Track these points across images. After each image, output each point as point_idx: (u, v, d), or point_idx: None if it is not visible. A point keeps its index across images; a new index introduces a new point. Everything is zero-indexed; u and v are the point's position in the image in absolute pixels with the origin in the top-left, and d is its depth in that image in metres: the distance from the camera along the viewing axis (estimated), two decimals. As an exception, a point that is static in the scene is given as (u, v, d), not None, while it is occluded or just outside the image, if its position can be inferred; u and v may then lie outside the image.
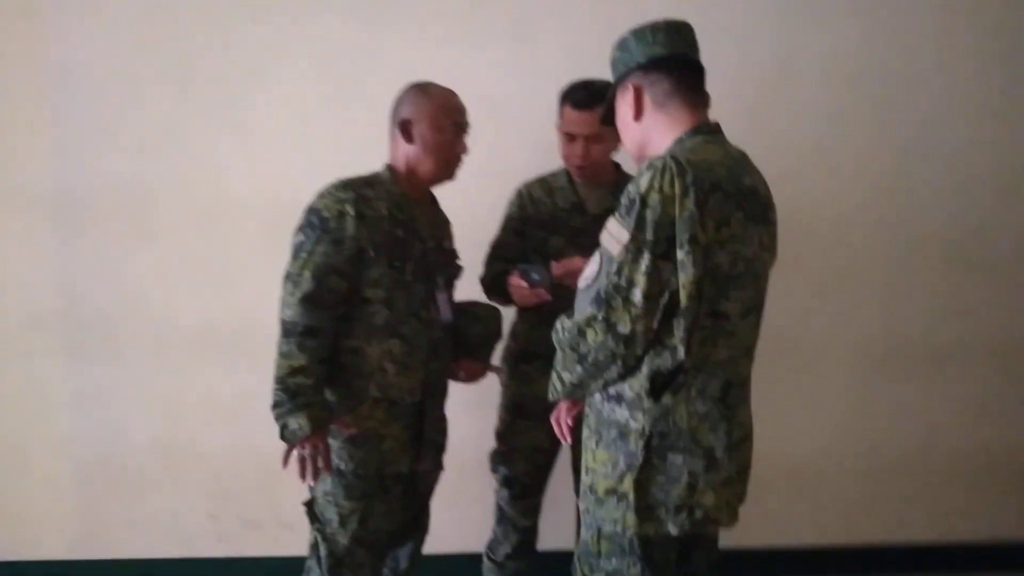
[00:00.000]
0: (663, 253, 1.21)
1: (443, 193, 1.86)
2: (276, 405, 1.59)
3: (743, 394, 1.38)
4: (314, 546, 1.71)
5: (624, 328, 1.23)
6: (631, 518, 1.30)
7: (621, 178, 2.09)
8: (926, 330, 2.60)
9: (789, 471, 2.59)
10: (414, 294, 1.70)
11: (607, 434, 1.34)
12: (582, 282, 1.31)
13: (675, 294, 1.23)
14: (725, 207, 1.24)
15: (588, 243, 1.97)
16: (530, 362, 2.10)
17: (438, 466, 1.90)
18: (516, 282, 1.88)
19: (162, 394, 2.38)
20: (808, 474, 2.61)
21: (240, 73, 2.29)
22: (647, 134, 1.39)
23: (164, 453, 2.41)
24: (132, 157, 2.29)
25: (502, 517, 2.21)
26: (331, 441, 1.66)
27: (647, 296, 1.21)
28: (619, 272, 1.22)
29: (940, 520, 2.69)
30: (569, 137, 1.97)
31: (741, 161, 1.34)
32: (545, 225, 2.06)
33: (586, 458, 1.40)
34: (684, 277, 1.21)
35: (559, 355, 1.36)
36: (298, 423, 1.57)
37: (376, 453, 1.69)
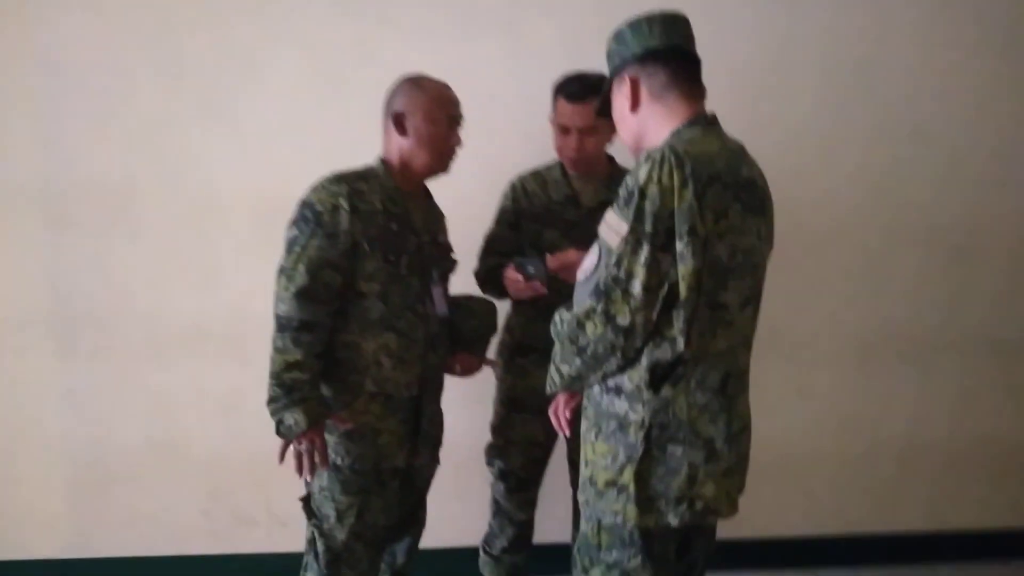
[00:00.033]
0: (662, 245, 1.21)
1: (436, 186, 1.86)
2: (272, 400, 1.58)
3: (742, 385, 1.38)
4: (311, 542, 1.71)
5: (623, 320, 1.23)
6: (632, 510, 1.30)
7: (615, 171, 2.09)
8: (916, 321, 2.62)
9: (781, 462, 2.61)
10: (409, 288, 1.70)
11: (606, 426, 1.34)
12: (581, 274, 1.31)
13: (674, 286, 1.23)
14: (724, 198, 1.24)
15: (582, 236, 1.99)
16: (526, 355, 2.10)
17: (434, 460, 1.90)
18: (511, 275, 1.88)
19: (153, 391, 2.36)
20: (799, 465, 2.63)
21: (230, 67, 2.26)
22: (644, 126, 1.39)
23: (156, 451, 2.39)
24: (121, 152, 2.26)
25: (498, 511, 2.21)
26: (327, 436, 1.65)
27: (646, 288, 1.21)
28: (618, 264, 1.22)
29: (930, 509, 2.72)
30: (563, 130, 1.96)
31: (739, 152, 1.34)
32: (539, 218, 2.06)
33: (585, 450, 1.40)
34: (683, 269, 1.21)
35: (557, 348, 1.36)
36: (294, 418, 1.56)
37: (373, 448, 1.68)
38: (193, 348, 2.35)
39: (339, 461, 1.67)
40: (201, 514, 2.44)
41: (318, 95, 2.30)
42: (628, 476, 1.30)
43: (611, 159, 2.10)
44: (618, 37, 1.41)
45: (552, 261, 1.85)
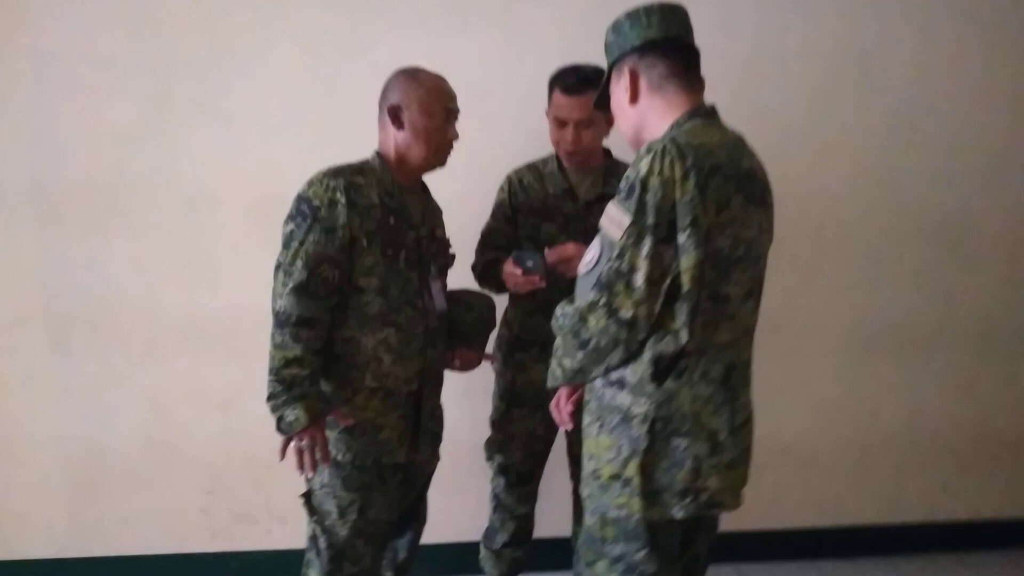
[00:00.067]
0: (664, 237, 1.21)
1: (430, 180, 1.84)
2: (272, 397, 1.57)
3: (745, 377, 1.38)
4: (313, 538, 1.70)
5: (626, 313, 1.23)
6: (636, 503, 1.30)
7: (611, 164, 2.08)
8: (911, 313, 2.63)
9: (779, 454, 2.62)
10: (408, 283, 1.69)
11: (609, 420, 1.33)
12: (582, 267, 1.30)
13: (677, 278, 1.23)
14: (725, 190, 1.23)
15: (580, 229, 1.99)
16: (524, 349, 2.09)
17: (435, 456, 1.89)
18: (510, 269, 1.87)
19: (150, 388, 2.35)
20: (797, 457, 2.64)
21: (221, 60, 2.24)
22: (643, 118, 1.38)
23: (153, 448, 2.38)
24: (112, 148, 2.24)
25: (498, 506, 2.21)
26: (328, 432, 1.64)
27: (649, 280, 1.21)
28: (620, 257, 1.22)
29: (929, 500, 2.73)
30: (559, 123, 1.95)
31: (739, 144, 1.33)
32: (536, 211, 2.05)
33: (587, 444, 1.39)
34: (686, 261, 1.21)
35: (559, 341, 1.36)
36: (295, 415, 1.55)
37: (374, 443, 1.67)
38: (189, 345, 2.33)
39: (340, 457, 1.66)
40: (200, 512, 2.43)
41: (311, 88, 2.28)
42: (633, 469, 1.29)
43: (607, 152, 2.10)
44: (616, 28, 1.40)
45: (550, 255, 1.85)
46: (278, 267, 1.60)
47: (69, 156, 2.23)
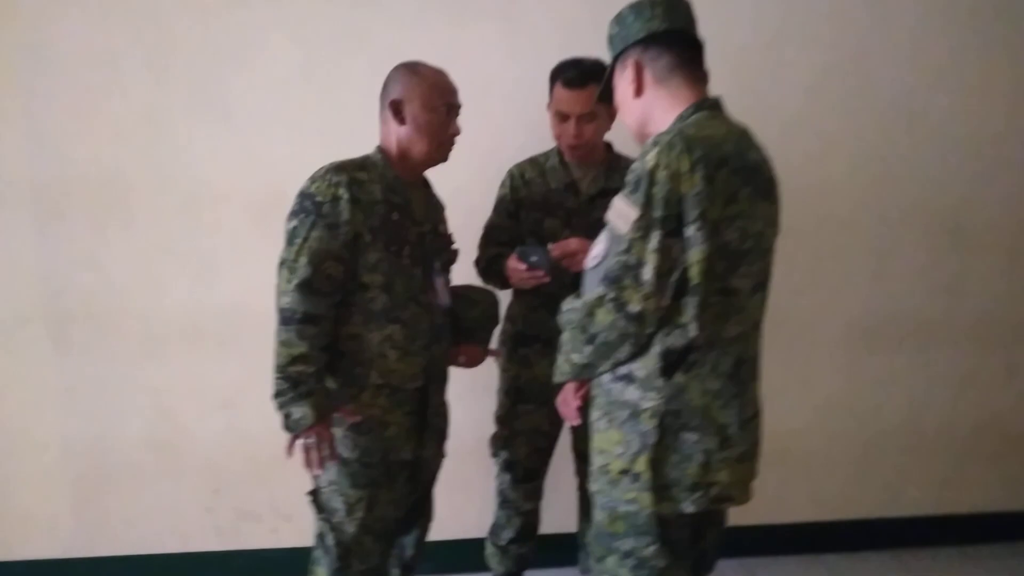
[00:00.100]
0: (672, 230, 1.20)
1: (431, 176, 1.83)
2: (278, 394, 1.56)
3: (754, 370, 1.37)
4: (320, 536, 1.69)
5: (635, 307, 1.22)
6: (647, 497, 1.29)
7: (613, 158, 2.07)
8: (916, 307, 2.62)
9: (784, 449, 2.61)
10: (412, 279, 1.68)
11: (618, 415, 1.33)
12: (590, 261, 1.30)
13: (685, 272, 1.22)
14: (733, 183, 1.23)
15: (583, 223, 1.98)
16: (528, 345, 2.09)
17: (441, 452, 1.89)
18: (514, 264, 1.87)
19: (152, 386, 2.34)
20: (800, 451, 2.63)
21: (220, 55, 2.23)
22: (648, 111, 1.38)
23: (157, 447, 2.37)
24: (111, 145, 2.23)
25: (504, 502, 2.21)
26: (334, 429, 1.63)
27: (658, 274, 1.20)
28: (628, 250, 1.21)
29: (933, 493, 2.73)
30: (561, 117, 1.94)
31: (745, 136, 1.33)
32: (539, 206, 2.04)
33: (596, 440, 1.39)
34: (695, 254, 1.21)
35: (566, 336, 1.35)
36: (301, 412, 1.54)
37: (380, 440, 1.67)
38: (191, 343, 2.32)
39: (347, 454, 1.65)
40: (204, 511, 2.42)
41: (310, 84, 2.26)
42: (642, 464, 1.29)
43: (609, 146, 2.09)
44: (620, 20, 1.39)
45: (554, 249, 1.84)
46: (282, 264, 1.59)
47: (69, 154, 2.22)
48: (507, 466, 2.16)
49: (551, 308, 1.97)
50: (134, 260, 2.28)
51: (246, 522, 2.45)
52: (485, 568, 2.31)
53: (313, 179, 1.62)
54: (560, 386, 1.67)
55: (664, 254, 1.20)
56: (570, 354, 1.35)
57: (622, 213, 1.23)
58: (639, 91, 1.37)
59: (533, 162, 2.09)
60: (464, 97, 1.75)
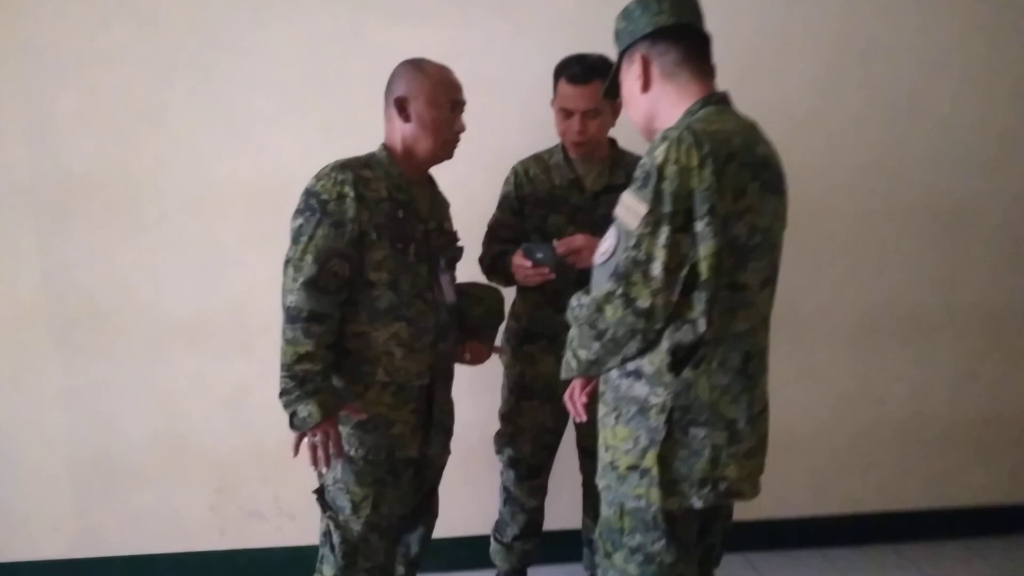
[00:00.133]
0: (681, 225, 1.20)
1: (435, 173, 1.83)
2: (284, 393, 1.56)
3: (762, 365, 1.37)
4: (326, 534, 1.69)
5: (644, 303, 1.22)
6: (655, 493, 1.29)
7: (617, 154, 2.07)
8: (916, 300, 2.62)
9: (785, 443, 2.59)
10: (418, 276, 1.68)
11: (626, 410, 1.33)
12: (598, 257, 1.29)
13: (694, 267, 1.22)
14: (742, 177, 1.22)
15: (587, 220, 1.98)
16: (533, 342, 2.09)
17: (446, 450, 1.89)
18: (519, 261, 1.87)
19: (156, 386, 2.33)
20: (804, 445, 2.64)
21: (222, 54, 2.22)
22: (655, 106, 1.37)
23: (161, 446, 2.37)
24: (113, 144, 2.22)
25: (508, 498, 2.21)
26: (340, 427, 1.63)
27: (667, 269, 1.20)
28: (638, 246, 1.21)
29: (933, 487, 2.73)
30: (565, 113, 1.94)
31: (753, 131, 1.32)
32: (543, 203, 2.04)
33: (604, 435, 1.39)
34: (704, 249, 1.20)
35: (574, 332, 1.35)
36: (308, 410, 1.54)
37: (386, 438, 1.67)
38: (195, 342, 2.32)
39: (353, 452, 1.65)
40: (208, 510, 2.42)
41: (313, 81, 2.26)
42: (651, 459, 1.29)
43: (613, 142, 2.08)
44: (627, 15, 1.39)
45: (559, 246, 1.84)
46: (287, 262, 1.58)
47: (71, 153, 2.21)
48: (512, 463, 2.16)
49: (556, 305, 1.99)
50: (138, 259, 2.27)
51: (250, 521, 2.44)
52: (490, 565, 2.31)
53: (318, 177, 1.61)
54: (567, 382, 1.67)
55: (673, 249, 1.20)
56: (578, 350, 1.35)
57: (631, 208, 1.23)
58: (646, 86, 1.36)
59: (537, 159, 2.09)
60: (468, 94, 1.75)
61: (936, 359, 2.67)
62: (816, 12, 2.41)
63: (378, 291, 1.63)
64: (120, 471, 2.36)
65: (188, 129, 2.24)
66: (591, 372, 1.39)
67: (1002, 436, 2.73)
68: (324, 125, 2.26)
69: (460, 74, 1.74)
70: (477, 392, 2.21)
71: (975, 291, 2.64)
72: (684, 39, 1.35)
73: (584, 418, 1.52)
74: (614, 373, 1.35)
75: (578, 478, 2.25)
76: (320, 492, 1.70)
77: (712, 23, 1.42)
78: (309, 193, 1.60)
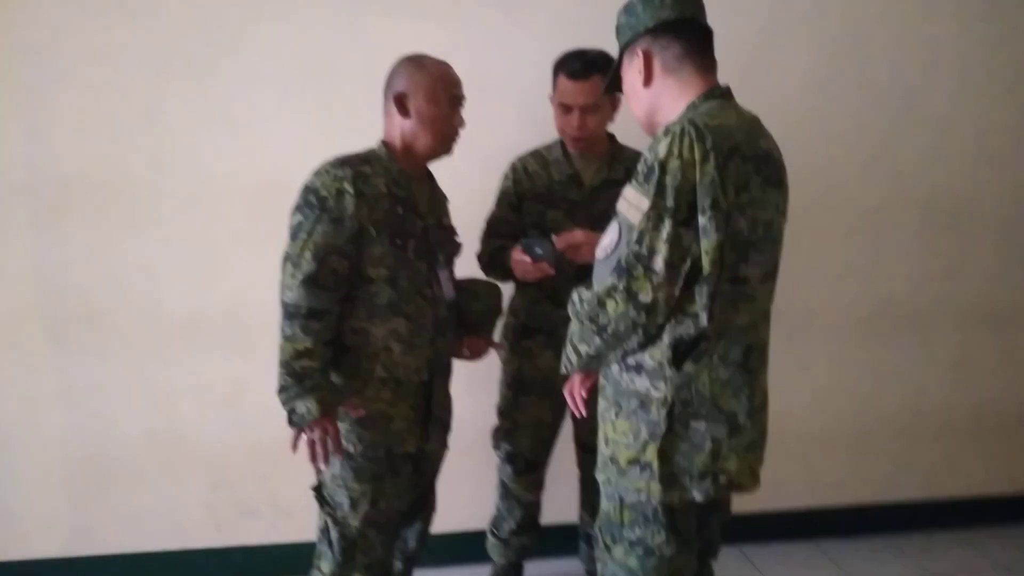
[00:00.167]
0: (684, 220, 1.20)
1: (433, 169, 1.82)
2: (283, 389, 1.55)
3: (763, 358, 1.38)
4: (324, 530, 1.69)
5: (646, 297, 1.22)
6: (656, 487, 1.29)
7: (616, 149, 2.07)
8: (912, 293, 2.65)
9: (782, 435, 2.60)
10: (417, 272, 1.68)
11: (627, 404, 1.33)
12: (600, 252, 1.29)
13: (696, 261, 1.22)
14: (744, 171, 1.23)
15: (586, 215, 1.99)
16: (531, 337, 2.09)
17: (444, 445, 1.89)
18: (519, 257, 1.87)
19: (152, 383, 2.31)
20: (798, 437, 2.65)
21: (218, 50, 2.21)
22: (657, 100, 1.37)
23: (156, 444, 2.35)
24: (109, 142, 2.20)
25: (506, 493, 2.21)
26: (339, 424, 1.62)
27: (669, 264, 1.20)
28: (640, 240, 1.21)
29: (929, 478, 2.76)
30: (564, 108, 1.94)
31: (755, 125, 1.33)
32: (542, 198, 2.04)
33: (605, 429, 1.39)
34: (707, 243, 1.21)
35: (575, 327, 1.35)
36: (306, 407, 1.53)
37: (384, 434, 1.66)
38: (191, 339, 2.31)
39: (351, 448, 1.64)
40: (204, 507, 2.41)
41: (311, 77, 2.25)
42: (651, 453, 1.29)
43: (612, 137, 2.09)
44: (629, 9, 1.39)
45: (559, 241, 1.84)
46: (286, 259, 1.58)
47: (67, 151, 2.19)
48: (509, 458, 2.17)
49: (554, 300, 2.00)
50: (134, 257, 2.26)
51: (246, 518, 2.43)
52: (487, 559, 2.32)
53: (317, 173, 1.61)
54: (565, 377, 1.67)
55: (675, 244, 1.20)
56: (579, 345, 1.35)
57: (633, 203, 1.23)
58: (648, 80, 1.36)
59: (536, 154, 2.09)
60: (466, 90, 1.74)
61: (932, 352, 2.69)
62: (812, 9, 2.41)
63: (377, 287, 1.63)
64: (115, 469, 2.35)
65: (185, 126, 2.23)
66: (592, 367, 1.40)
67: (997, 428, 2.76)
68: (322, 122, 2.25)
69: (459, 70, 1.73)
70: (475, 387, 2.20)
71: (971, 285, 2.66)
72: (686, 33, 1.35)
73: (584, 413, 1.52)
74: (614, 367, 1.36)
75: (575, 472, 2.26)
76: (318, 488, 1.70)
77: (710, 19, 1.42)
78: (308, 189, 1.59)
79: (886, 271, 2.60)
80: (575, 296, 1.34)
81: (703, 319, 1.25)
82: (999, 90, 2.55)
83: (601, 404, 1.41)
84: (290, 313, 1.55)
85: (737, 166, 1.22)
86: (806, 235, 2.50)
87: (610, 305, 1.25)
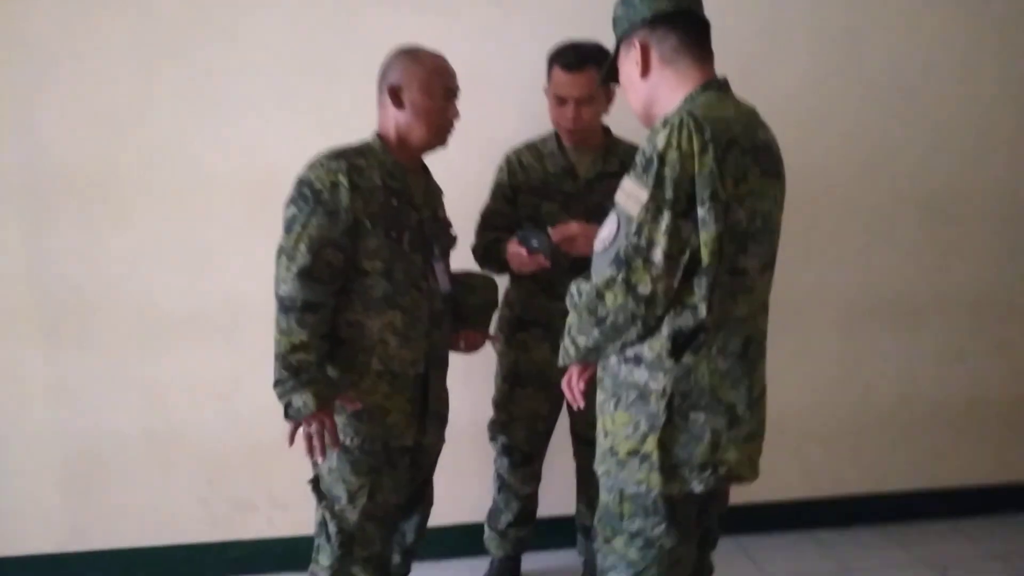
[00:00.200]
0: (683, 211, 1.20)
1: (427, 162, 1.82)
2: (279, 383, 1.54)
3: (761, 350, 1.38)
4: (322, 524, 1.68)
5: (645, 289, 1.22)
6: (655, 478, 1.29)
7: (611, 142, 2.07)
8: (905, 284, 2.65)
9: (775, 426, 2.59)
10: (412, 265, 1.67)
11: (626, 396, 1.33)
12: (599, 244, 1.29)
13: (695, 252, 1.22)
14: (742, 163, 1.23)
15: (581, 207, 1.98)
16: (526, 330, 2.09)
17: (441, 438, 1.88)
18: (515, 249, 1.86)
19: (145, 378, 2.30)
20: (794, 429, 2.66)
21: (210, 40, 2.18)
22: (654, 92, 1.37)
23: (150, 440, 2.34)
24: (98, 135, 2.17)
25: (503, 486, 2.21)
26: (336, 417, 1.62)
27: (668, 256, 1.20)
28: (639, 232, 1.21)
29: (922, 468, 2.77)
30: (559, 100, 1.94)
31: (753, 116, 1.33)
32: (537, 191, 2.04)
33: (603, 421, 1.39)
34: (706, 234, 1.20)
35: (573, 319, 1.34)
36: (303, 400, 1.53)
37: (382, 427, 1.66)
38: (184, 334, 2.29)
39: (348, 442, 1.64)
40: (199, 502, 2.40)
41: (303, 69, 2.23)
42: (651, 445, 1.29)
43: (606, 129, 2.08)
44: (626, 1, 1.38)
45: (555, 234, 1.84)
46: (281, 252, 1.57)
47: (57, 144, 2.17)
48: (505, 450, 2.17)
49: (550, 293, 2.00)
50: (126, 251, 2.24)
51: (241, 512, 2.43)
52: (484, 552, 2.32)
53: (311, 166, 1.60)
54: (561, 370, 1.67)
55: (675, 235, 1.20)
56: (577, 337, 1.35)
57: (632, 194, 1.22)
58: (645, 72, 1.36)
59: (530, 147, 2.08)
60: (460, 82, 1.73)
61: (923, 343, 2.70)
62: (813, 4, 2.41)
63: (372, 280, 1.62)
64: (109, 465, 2.33)
65: (176, 119, 2.20)
66: (590, 359, 1.39)
67: (988, 418, 2.78)
68: (315, 114, 2.23)
69: (453, 62, 1.72)
70: (471, 380, 2.20)
71: (961, 276, 2.68)
72: (683, 25, 1.34)
73: (583, 405, 1.52)
74: (613, 359, 1.35)
75: (571, 464, 2.26)
76: (315, 482, 1.69)
77: (711, 17, 1.41)
78: (302, 182, 1.58)
79: (877, 263, 2.61)
80: (573, 288, 1.33)
81: (702, 310, 1.25)
82: (995, 79, 2.55)
83: (599, 396, 1.41)
84: (285, 306, 1.54)
85: (736, 157, 1.21)
86: (800, 226, 2.51)
87: (609, 297, 1.25)
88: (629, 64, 1.38)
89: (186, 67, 2.19)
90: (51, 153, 2.17)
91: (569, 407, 2.03)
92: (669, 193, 1.19)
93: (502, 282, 2.05)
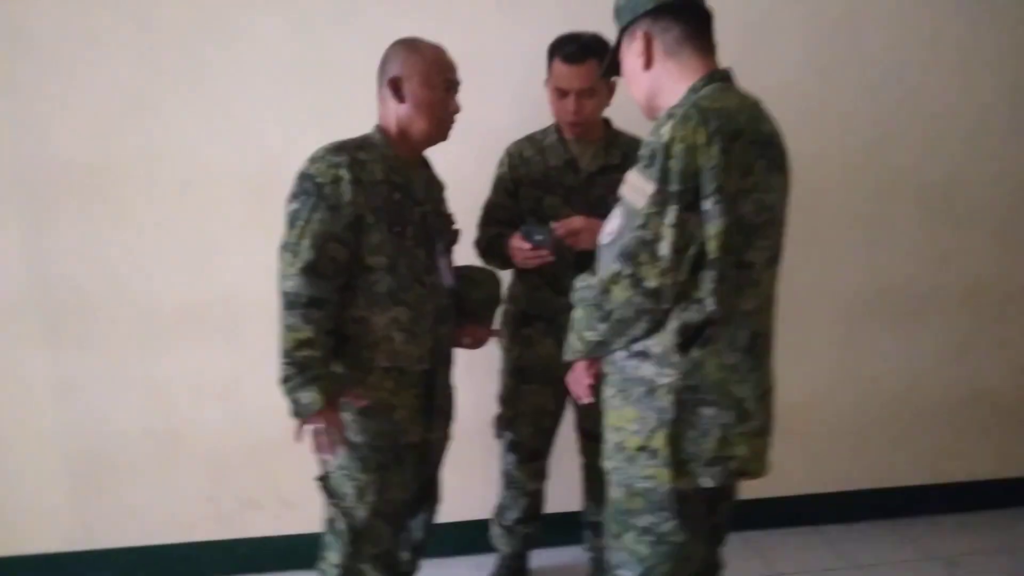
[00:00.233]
0: (689, 204, 1.19)
1: (428, 156, 1.80)
2: (285, 380, 1.53)
3: (769, 344, 1.37)
4: (331, 521, 1.68)
5: (651, 283, 1.21)
6: (665, 473, 1.29)
7: (612, 134, 2.05)
8: (907, 278, 2.64)
9: (780, 422, 2.58)
10: (416, 260, 1.66)
11: (633, 391, 1.32)
12: (604, 238, 1.28)
13: (702, 246, 1.21)
14: (748, 155, 1.21)
15: (583, 201, 1.97)
16: (531, 325, 2.08)
17: (447, 435, 1.88)
18: (518, 243, 1.85)
19: (149, 376, 2.29)
20: (798, 425, 2.64)
21: (209, 35, 2.16)
22: (657, 83, 1.35)
23: (155, 438, 2.33)
24: (98, 130, 2.16)
25: (510, 482, 2.21)
26: (342, 414, 1.61)
27: (675, 249, 1.19)
28: (645, 225, 1.19)
29: (926, 463, 2.77)
30: (560, 93, 1.92)
31: (757, 108, 1.31)
32: (538, 184, 2.02)
33: (611, 417, 1.38)
34: (712, 228, 1.19)
35: (579, 314, 1.33)
36: (310, 397, 1.52)
37: (389, 423, 1.66)
38: (188, 331, 2.28)
39: (356, 439, 1.63)
40: (205, 500, 2.39)
41: (303, 61, 2.21)
42: (660, 440, 1.28)
43: (608, 122, 2.07)
44: (628, -9, 1.37)
45: (558, 228, 1.83)
46: (284, 247, 1.56)
47: (55, 140, 2.16)
48: (511, 446, 2.16)
49: (554, 287, 1.98)
50: (127, 248, 2.23)
51: (248, 510, 2.42)
52: (491, 549, 2.32)
53: (313, 160, 1.59)
54: (567, 365, 1.66)
55: (681, 229, 1.19)
56: (583, 332, 1.34)
57: (637, 188, 1.21)
58: (648, 63, 1.34)
59: (531, 140, 2.07)
60: (461, 75, 1.72)
61: (926, 338, 2.68)
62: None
63: (376, 275, 1.61)
64: (114, 463, 2.33)
65: (177, 115, 2.19)
66: (596, 354, 1.38)
67: (990, 412, 2.77)
68: (315, 108, 2.21)
69: (453, 55, 1.71)
70: (476, 376, 2.19)
71: (964, 271, 2.66)
72: (686, 15, 1.33)
73: (591, 399, 1.51)
74: (620, 354, 1.34)
75: (578, 460, 2.25)
76: (323, 479, 1.69)
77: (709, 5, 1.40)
78: (304, 176, 1.57)
79: (881, 257, 2.60)
80: (579, 283, 1.32)
81: (710, 304, 1.24)
82: (994, 71, 2.53)
83: (607, 391, 1.40)
84: (290, 302, 1.53)
85: (742, 149, 1.20)
86: (801, 220, 2.46)
87: (615, 291, 1.24)
88: (632, 56, 1.37)
89: (186, 65, 2.17)
90: (52, 150, 2.16)
91: (574, 403, 2.02)
92: (675, 186, 1.18)
93: (505, 277, 2.04)
